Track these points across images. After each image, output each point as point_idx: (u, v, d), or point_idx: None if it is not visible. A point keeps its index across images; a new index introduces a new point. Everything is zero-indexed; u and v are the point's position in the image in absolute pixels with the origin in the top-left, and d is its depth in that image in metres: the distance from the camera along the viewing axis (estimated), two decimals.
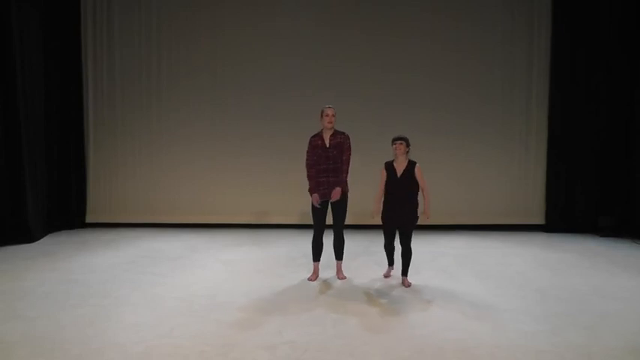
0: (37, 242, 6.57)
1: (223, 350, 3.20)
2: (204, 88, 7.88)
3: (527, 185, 7.81)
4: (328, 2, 7.78)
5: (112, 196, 7.94)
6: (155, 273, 5.08)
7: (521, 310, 4.02)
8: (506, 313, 3.95)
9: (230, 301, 4.16)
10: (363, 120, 7.45)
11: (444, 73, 7.74)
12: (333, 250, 4.91)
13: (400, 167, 4.65)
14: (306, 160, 4.82)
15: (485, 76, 7.75)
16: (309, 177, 4.78)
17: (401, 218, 4.65)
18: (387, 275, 4.99)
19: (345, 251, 4.97)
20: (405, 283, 4.69)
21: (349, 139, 4.78)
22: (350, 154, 4.77)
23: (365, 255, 5.93)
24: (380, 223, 4.81)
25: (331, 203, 4.75)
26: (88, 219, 7.89)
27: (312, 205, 4.76)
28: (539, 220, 7.79)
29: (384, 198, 4.72)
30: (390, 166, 4.72)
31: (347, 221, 4.87)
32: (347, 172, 4.77)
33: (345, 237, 4.91)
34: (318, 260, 4.91)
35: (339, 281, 4.84)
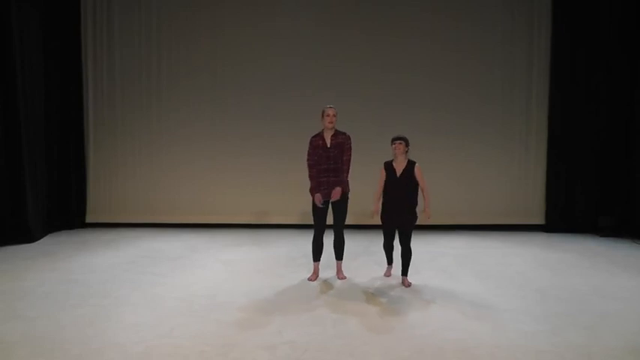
0: (37, 242, 6.57)
1: (223, 350, 3.20)
2: (204, 88, 7.88)
3: (527, 185, 7.82)
4: (328, 2, 7.78)
5: (112, 196, 7.95)
6: (155, 273, 5.08)
7: (521, 310, 4.02)
8: (506, 313, 3.95)
9: (230, 301, 4.16)
10: (363, 120, 7.45)
11: (444, 73, 7.75)
12: (333, 250, 4.91)
13: (399, 167, 4.66)
14: (307, 160, 4.82)
15: (485, 76, 7.76)
16: (311, 177, 4.79)
17: (400, 218, 4.65)
18: (387, 274, 5.00)
19: (345, 251, 4.97)
20: (405, 283, 4.69)
21: (350, 139, 4.78)
22: (351, 155, 4.76)
23: (365, 255, 5.94)
24: (379, 222, 4.82)
25: (332, 203, 4.75)
26: (88, 219, 7.89)
27: (313, 205, 4.76)
28: (539, 220, 7.80)
29: (384, 198, 4.73)
30: (389, 166, 4.72)
31: (347, 221, 4.86)
32: (348, 172, 4.77)
33: (345, 237, 4.91)
34: (319, 260, 4.91)
35: (339, 281, 4.84)
